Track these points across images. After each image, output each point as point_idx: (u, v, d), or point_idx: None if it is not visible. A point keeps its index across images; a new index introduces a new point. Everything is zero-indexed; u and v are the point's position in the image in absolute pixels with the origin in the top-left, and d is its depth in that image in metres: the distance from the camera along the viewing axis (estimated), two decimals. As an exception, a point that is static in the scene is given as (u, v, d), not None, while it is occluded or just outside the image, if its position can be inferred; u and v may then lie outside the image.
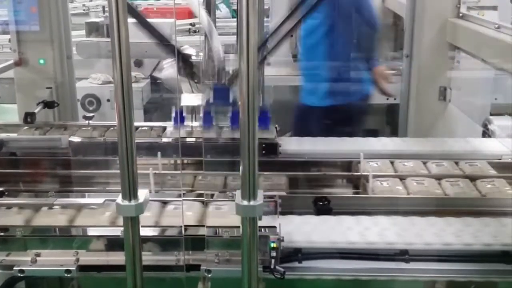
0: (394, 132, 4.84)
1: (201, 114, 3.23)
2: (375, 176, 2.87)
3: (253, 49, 1.67)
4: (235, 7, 8.44)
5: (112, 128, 3.41)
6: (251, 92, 1.68)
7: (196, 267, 2.35)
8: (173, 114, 3.29)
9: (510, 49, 3.08)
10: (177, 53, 3.24)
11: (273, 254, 2.27)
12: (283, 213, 2.54)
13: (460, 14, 3.93)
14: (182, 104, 3.26)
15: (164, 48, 3.29)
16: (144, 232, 2.32)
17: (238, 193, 1.79)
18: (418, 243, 2.39)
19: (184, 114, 3.26)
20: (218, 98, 3.25)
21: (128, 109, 1.75)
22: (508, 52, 3.11)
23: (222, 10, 8.70)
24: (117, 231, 2.35)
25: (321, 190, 2.97)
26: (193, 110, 3.24)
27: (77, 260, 2.38)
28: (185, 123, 3.25)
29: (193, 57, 4.51)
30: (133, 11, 3.11)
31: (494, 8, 4.85)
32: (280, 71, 5.35)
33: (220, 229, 2.38)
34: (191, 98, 3.32)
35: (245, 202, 1.77)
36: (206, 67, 3.30)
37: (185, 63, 3.31)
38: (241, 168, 1.75)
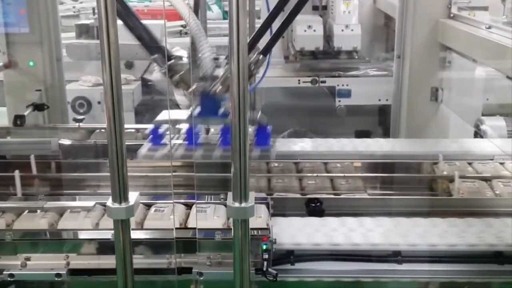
0: (386, 133, 4.85)
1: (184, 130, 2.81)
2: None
3: (244, 51, 1.66)
4: (227, 9, 8.42)
5: (102, 130, 3.39)
6: (241, 94, 1.67)
7: (188, 270, 2.33)
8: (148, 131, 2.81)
9: (500, 49, 3.08)
10: (167, 55, 3.13)
11: (266, 256, 2.26)
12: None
13: (451, 15, 3.94)
14: (157, 118, 2.82)
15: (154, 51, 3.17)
16: (135, 235, 2.31)
17: (229, 195, 1.78)
18: (411, 244, 2.39)
19: (160, 131, 2.78)
20: (205, 110, 2.70)
21: (118, 111, 1.73)
22: (498, 52, 3.12)
23: (214, 11, 8.67)
24: (108, 234, 2.32)
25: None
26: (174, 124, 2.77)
27: (68, 263, 2.36)
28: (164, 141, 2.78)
29: (184, 59, 4.46)
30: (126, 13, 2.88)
31: (485, 8, 4.86)
32: (272, 72, 5.34)
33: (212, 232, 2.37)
34: (173, 112, 2.81)
35: (237, 204, 1.76)
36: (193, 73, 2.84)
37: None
38: (232, 170, 1.73)
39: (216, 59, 2.85)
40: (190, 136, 2.75)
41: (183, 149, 2.75)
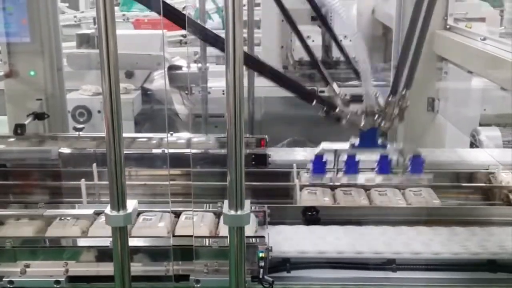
0: (383, 142, 4.87)
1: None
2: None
3: (240, 61, 1.69)
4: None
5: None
6: (237, 103, 1.70)
7: (185, 278, 2.35)
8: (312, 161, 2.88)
9: (495, 61, 3.12)
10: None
11: (262, 263, 2.28)
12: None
13: (448, 26, 3.99)
14: (322, 147, 2.90)
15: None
16: (133, 242, 2.34)
17: (225, 203, 1.81)
18: (405, 252, 2.41)
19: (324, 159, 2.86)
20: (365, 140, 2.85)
21: (117, 120, 1.76)
22: (493, 63, 3.15)
23: (214, 20, 8.71)
24: (107, 242, 2.35)
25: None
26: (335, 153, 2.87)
27: (67, 271, 2.38)
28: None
29: (184, 68, 4.51)
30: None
31: (482, 19, 4.90)
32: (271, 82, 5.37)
33: (209, 239, 2.39)
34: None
35: (232, 212, 1.78)
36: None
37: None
38: (228, 178, 1.76)
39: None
40: (350, 165, 2.87)
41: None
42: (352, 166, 2.85)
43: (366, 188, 2.96)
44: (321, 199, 2.87)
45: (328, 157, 2.85)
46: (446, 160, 3.33)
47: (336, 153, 2.86)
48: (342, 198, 2.87)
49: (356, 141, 2.86)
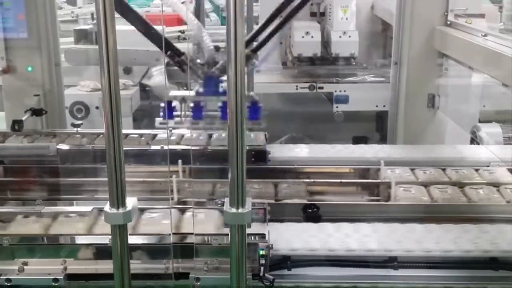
0: (383, 139, 4.86)
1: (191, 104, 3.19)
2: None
3: (241, 57, 1.67)
4: (225, 14, 8.42)
5: (101, 136, 3.40)
6: (239, 100, 1.68)
7: (185, 275, 2.34)
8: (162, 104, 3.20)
9: (496, 57, 3.10)
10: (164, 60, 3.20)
11: (262, 261, 2.26)
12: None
13: (448, 22, 3.97)
14: (170, 94, 3.24)
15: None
16: (133, 240, 2.31)
17: (226, 200, 1.79)
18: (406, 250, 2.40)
19: (173, 104, 3.21)
20: (208, 87, 3.21)
21: (116, 116, 1.75)
22: (494, 59, 3.14)
23: (212, 19, 8.72)
24: (106, 239, 2.33)
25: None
26: (182, 100, 3.20)
27: (65, 268, 2.36)
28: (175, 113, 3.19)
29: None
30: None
31: (482, 16, 4.87)
32: (270, 78, 5.36)
33: (209, 237, 2.37)
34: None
35: (234, 210, 1.77)
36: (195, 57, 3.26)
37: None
38: (229, 176, 1.75)
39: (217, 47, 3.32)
40: (196, 111, 3.17)
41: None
42: (197, 111, 3.16)
43: (460, 186, 2.89)
44: (419, 196, 2.80)
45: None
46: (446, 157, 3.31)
47: (183, 99, 3.18)
48: (438, 195, 2.81)
49: (200, 88, 3.20)
